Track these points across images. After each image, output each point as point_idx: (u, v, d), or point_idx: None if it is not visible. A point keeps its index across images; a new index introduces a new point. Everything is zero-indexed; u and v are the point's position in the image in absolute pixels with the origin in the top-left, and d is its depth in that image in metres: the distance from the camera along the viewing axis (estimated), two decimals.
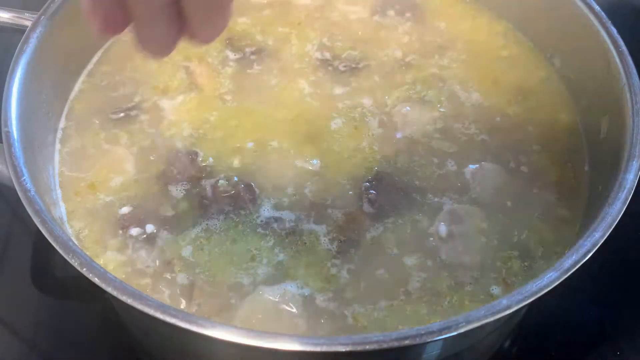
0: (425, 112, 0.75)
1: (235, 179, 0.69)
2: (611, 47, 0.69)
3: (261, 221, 0.65)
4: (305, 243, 0.64)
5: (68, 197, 0.68)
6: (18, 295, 0.75)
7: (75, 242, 0.63)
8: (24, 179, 0.58)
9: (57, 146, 0.72)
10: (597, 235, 0.54)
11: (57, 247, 0.53)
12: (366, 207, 0.67)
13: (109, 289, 0.51)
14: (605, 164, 0.65)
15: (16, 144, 0.61)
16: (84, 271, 0.51)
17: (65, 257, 0.52)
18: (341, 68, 0.80)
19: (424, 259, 0.63)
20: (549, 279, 0.51)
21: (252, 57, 0.81)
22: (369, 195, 0.67)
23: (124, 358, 0.71)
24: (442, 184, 0.69)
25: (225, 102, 0.76)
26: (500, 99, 0.77)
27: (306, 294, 0.61)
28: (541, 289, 0.51)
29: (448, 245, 0.64)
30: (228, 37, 0.83)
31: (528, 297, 0.50)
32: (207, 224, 0.65)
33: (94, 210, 0.67)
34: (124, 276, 0.62)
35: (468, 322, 0.49)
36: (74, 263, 0.52)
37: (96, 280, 0.51)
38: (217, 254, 0.63)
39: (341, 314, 0.60)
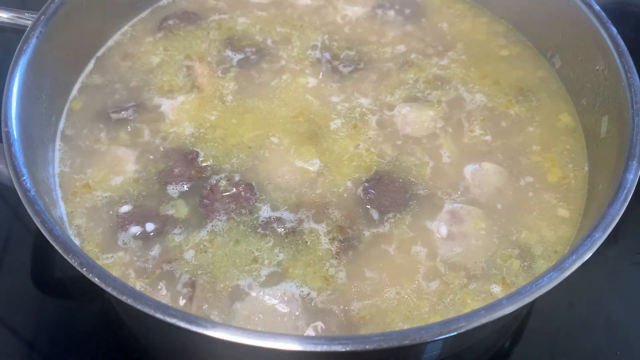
0: (425, 111, 0.75)
1: (237, 178, 0.69)
2: (611, 47, 0.69)
3: (262, 221, 0.65)
4: (306, 242, 0.64)
5: (68, 197, 0.68)
6: (18, 295, 0.75)
7: (76, 241, 0.63)
8: (24, 179, 0.58)
9: (57, 146, 0.72)
10: (597, 235, 0.54)
11: (57, 247, 0.53)
12: (365, 207, 0.67)
13: (109, 289, 0.51)
14: (605, 163, 0.66)
15: (16, 144, 0.61)
16: (83, 271, 0.51)
17: (65, 257, 0.52)
18: (341, 68, 0.80)
19: (423, 258, 0.63)
20: (549, 279, 0.51)
21: (253, 57, 0.81)
22: (368, 195, 0.67)
23: (123, 358, 0.71)
24: (442, 184, 0.69)
25: (226, 102, 0.76)
26: (500, 99, 0.77)
27: (306, 293, 0.61)
28: (541, 289, 0.51)
29: (448, 245, 0.64)
30: (228, 37, 0.83)
31: (528, 297, 0.50)
32: (207, 225, 0.65)
33: (94, 210, 0.67)
34: (124, 275, 0.62)
35: (468, 322, 0.49)
36: (74, 263, 0.52)
37: (96, 280, 0.51)
38: (220, 255, 0.63)
39: (341, 312, 0.60)
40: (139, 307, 0.49)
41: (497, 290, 0.61)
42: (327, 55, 0.81)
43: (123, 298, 0.50)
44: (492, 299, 0.59)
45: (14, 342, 0.72)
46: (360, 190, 0.68)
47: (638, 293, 0.76)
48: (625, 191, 0.57)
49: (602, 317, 0.74)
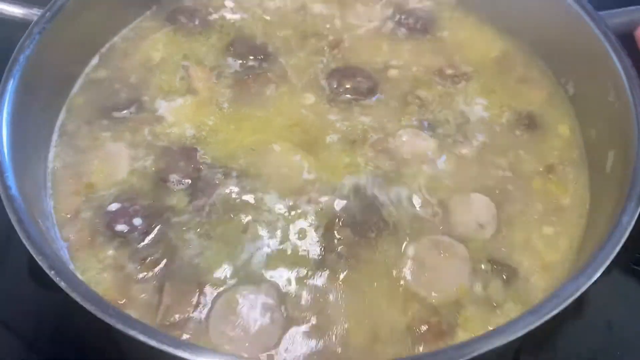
0: (423, 137, 0.73)
1: (234, 174, 0.69)
2: (624, 79, 0.67)
3: (247, 223, 0.65)
4: (291, 253, 0.64)
5: (60, 194, 0.68)
6: (18, 296, 0.75)
7: (65, 245, 0.64)
8: (7, 176, 0.59)
9: (54, 142, 0.72)
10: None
11: (28, 246, 0.55)
12: (344, 232, 0.65)
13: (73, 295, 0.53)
14: (608, 188, 0.65)
15: (4, 141, 0.61)
16: (52, 274, 0.54)
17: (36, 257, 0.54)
18: (343, 96, 0.77)
19: (402, 285, 0.62)
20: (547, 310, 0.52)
21: (254, 63, 0.79)
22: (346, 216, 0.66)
23: (123, 358, 0.71)
24: (431, 210, 0.68)
25: (222, 107, 0.75)
26: (504, 119, 0.76)
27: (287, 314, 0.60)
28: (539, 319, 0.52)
29: (421, 277, 0.63)
30: (230, 42, 0.81)
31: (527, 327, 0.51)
32: (200, 221, 0.65)
33: (87, 206, 0.67)
34: (115, 277, 0.62)
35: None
36: (44, 266, 0.54)
37: (62, 284, 0.54)
38: (209, 254, 0.63)
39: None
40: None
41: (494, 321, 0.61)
42: (334, 83, 0.78)
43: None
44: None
45: (14, 342, 0.72)
46: (342, 211, 0.67)
47: (638, 294, 0.76)
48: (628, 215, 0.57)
49: (602, 318, 0.74)
